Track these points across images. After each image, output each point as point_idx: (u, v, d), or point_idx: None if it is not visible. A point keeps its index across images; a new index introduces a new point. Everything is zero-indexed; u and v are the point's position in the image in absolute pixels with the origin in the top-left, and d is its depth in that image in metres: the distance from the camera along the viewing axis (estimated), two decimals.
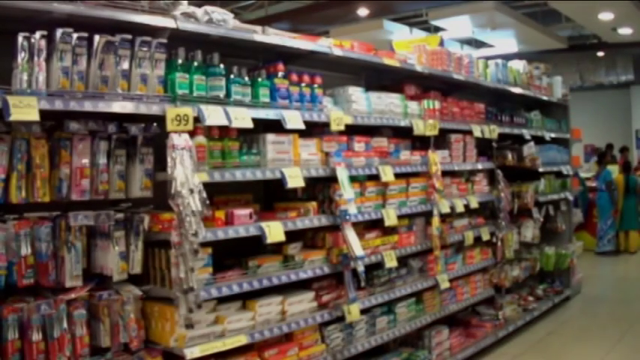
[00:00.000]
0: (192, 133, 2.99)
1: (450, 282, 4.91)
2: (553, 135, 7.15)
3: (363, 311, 4.00)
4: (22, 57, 2.51)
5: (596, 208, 10.93)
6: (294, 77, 3.68)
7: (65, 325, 2.66)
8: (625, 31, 11.52)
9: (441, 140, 5.05)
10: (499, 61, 6.18)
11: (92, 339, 2.79)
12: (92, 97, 2.68)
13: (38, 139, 2.64)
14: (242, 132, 3.34)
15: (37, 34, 2.54)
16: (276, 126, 3.50)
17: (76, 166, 2.74)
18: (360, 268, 3.88)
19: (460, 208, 5.07)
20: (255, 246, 3.51)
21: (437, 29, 11.38)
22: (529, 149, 6.28)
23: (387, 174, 4.21)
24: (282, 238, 3.37)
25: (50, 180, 2.69)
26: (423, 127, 4.64)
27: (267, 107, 3.45)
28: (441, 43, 6.00)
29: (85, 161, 2.76)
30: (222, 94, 3.22)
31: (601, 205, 10.87)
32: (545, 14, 11.36)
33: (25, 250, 2.60)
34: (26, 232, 2.61)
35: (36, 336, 2.58)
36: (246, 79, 3.40)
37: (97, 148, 2.82)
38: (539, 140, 6.68)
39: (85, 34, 2.65)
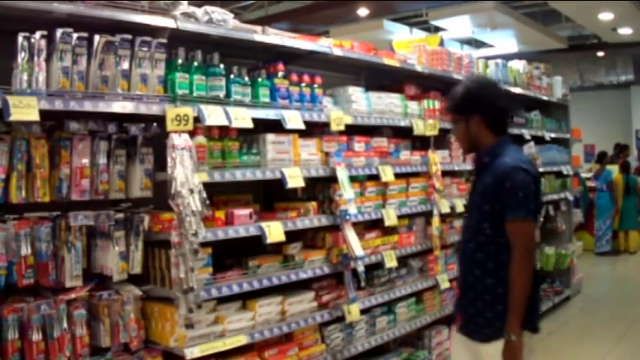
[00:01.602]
0: (192, 133, 2.99)
1: (450, 282, 4.91)
2: (553, 135, 7.15)
3: (363, 311, 4.00)
4: (22, 57, 2.51)
5: (595, 208, 10.94)
6: (294, 77, 3.68)
7: (65, 325, 2.66)
8: (625, 31, 11.53)
9: (441, 140, 5.05)
10: (499, 61, 6.18)
11: (92, 339, 2.79)
12: (92, 97, 2.68)
13: (38, 139, 2.64)
14: (242, 132, 3.34)
15: (37, 34, 2.54)
16: (276, 126, 3.50)
17: (76, 166, 2.74)
18: (360, 268, 3.88)
19: (460, 208, 5.06)
20: (255, 246, 3.51)
21: (437, 29, 11.38)
22: (529, 149, 6.28)
23: (387, 174, 4.21)
24: (282, 238, 3.37)
25: (50, 180, 2.68)
26: (423, 127, 4.64)
27: (267, 107, 3.45)
28: (441, 43, 6.00)
29: (85, 161, 2.76)
30: (222, 94, 3.22)
31: (600, 205, 10.87)
32: (545, 14, 11.36)
33: (25, 250, 2.60)
34: (26, 232, 2.61)
35: (36, 336, 2.58)
36: (246, 79, 3.40)
37: (97, 148, 2.82)
38: (539, 140, 6.69)
39: (85, 34, 2.65)
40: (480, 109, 2.76)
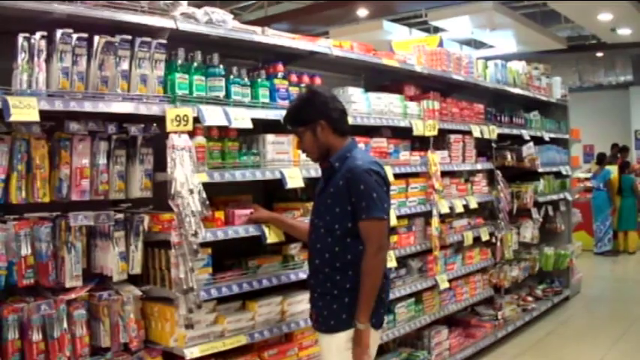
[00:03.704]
0: (191, 134, 3.00)
1: (449, 282, 4.92)
2: (552, 135, 7.16)
3: None
4: (22, 57, 2.52)
5: (592, 208, 10.95)
6: (294, 78, 3.68)
7: (65, 325, 2.67)
8: (624, 32, 11.53)
9: (441, 141, 5.06)
10: (498, 61, 6.18)
11: (92, 339, 2.80)
12: (92, 97, 2.69)
13: (38, 140, 2.64)
14: (242, 132, 3.34)
15: (37, 35, 2.55)
16: (275, 126, 3.50)
17: (76, 166, 2.74)
18: None
19: (459, 209, 5.07)
20: (255, 246, 3.51)
21: (436, 30, 11.39)
22: (528, 149, 6.29)
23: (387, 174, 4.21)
24: (281, 238, 3.38)
25: (50, 180, 2.69)
26: (423, 128, 4.65)
27: (266, 108, 3.45)
28: (440, 44, 6.01)
29: (85, 161, 2.77)
30: (221, 94, 3.23)
31: (597, 205, 10.87)
32: (544, 15, 11.38)
33: (25, 250, 2.60)
34: (26, 232, 2.61)
35: (36, 336, 2.59)
36: (246, 79, 3.41)
37: (97, 148, 2.82)
38: (538, 140, 6.69)
39: (85, 35, 2.66)
40: (322, 114, 2.88)
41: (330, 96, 2.97)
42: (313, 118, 2.89)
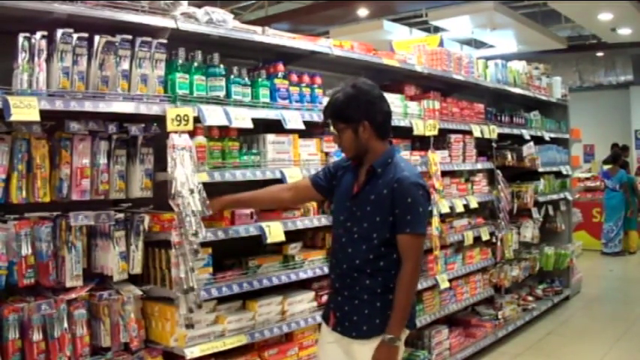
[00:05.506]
0: (192, 134, 3.00)
1: (449, 282, 4.92)
2: (552, 135, 7.16)
3: None
4: (22, 57, 2.52)
5: (605, 208, 10.94)
6: (294, 77, 3.69)
7: (66, 324, 2.67)
8: (624, 32, 11.52)
9: (441, 140, 5.06)
10: (499, 61, 6.18)
11: (92, 339, 2.80)
12: (92, 97, 2.69)
13: (39, 139, 2.64)
14: (242, 132, 3.34)
15: (38, 35, 2.55)
16: (276, 126, 3.50)
17: (77, 166, 2.74)
18: None
19: (460, 208, 5.07)
20: (255, 246, 3.51)
21: (437, 29, 11.39)
22: (528, 149, 6.29)
23: None
24: (282, 238, 3.38)
25: (50, 180, 2.69)
26: (423, 128, 4.65)
27: (267, 107, 3.45)
28: (441, 44, 6.01)
29: (86, 161, 2.77)
30: (222, 94, 3.23)
31: (612, 206, 10.84)
32: (544, 14, 11.37)
33: (26, 249, 2.60)
34: (27, 232, 2.61)
35: (36, 336, 2.59)
36: (246, 79, 3.41)
37: (98, 148, 2.82)
38: (538, 140, 6.69)
39: (86, 35, 2.66)
40: (367, 115, 2.71)
41: (378, 95, 2.77)
42: (357, 117, 2.70)
